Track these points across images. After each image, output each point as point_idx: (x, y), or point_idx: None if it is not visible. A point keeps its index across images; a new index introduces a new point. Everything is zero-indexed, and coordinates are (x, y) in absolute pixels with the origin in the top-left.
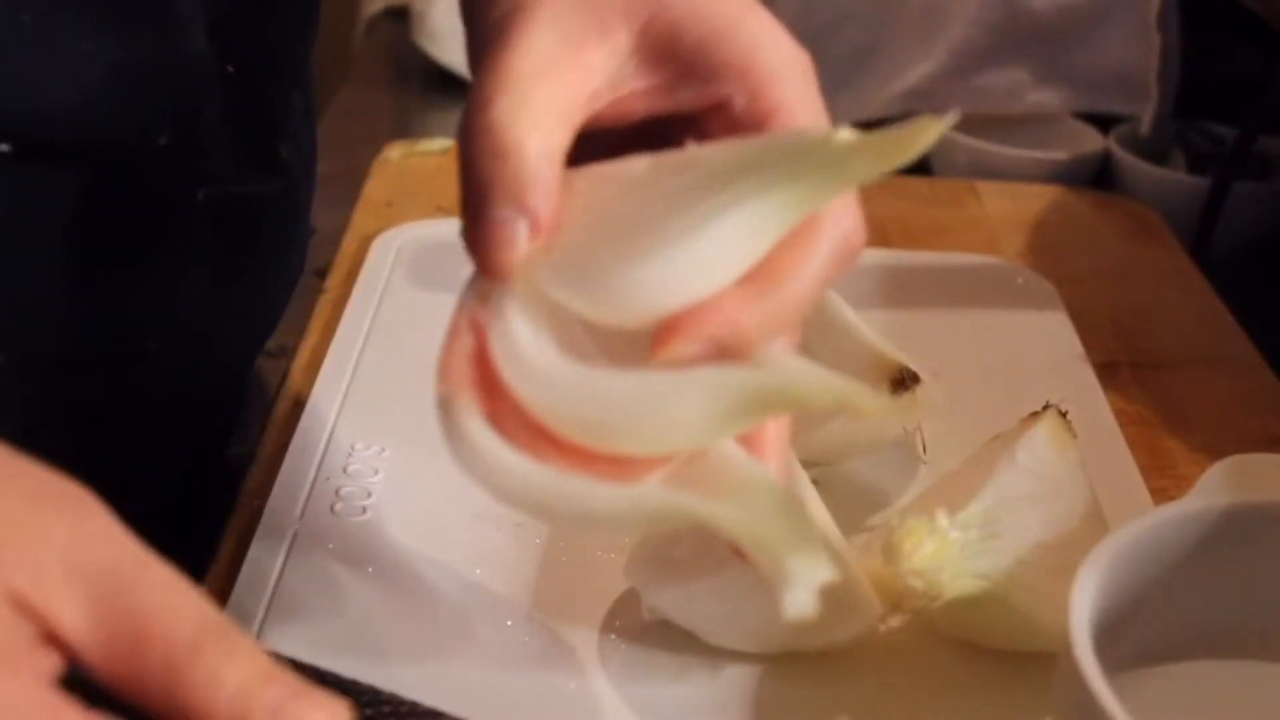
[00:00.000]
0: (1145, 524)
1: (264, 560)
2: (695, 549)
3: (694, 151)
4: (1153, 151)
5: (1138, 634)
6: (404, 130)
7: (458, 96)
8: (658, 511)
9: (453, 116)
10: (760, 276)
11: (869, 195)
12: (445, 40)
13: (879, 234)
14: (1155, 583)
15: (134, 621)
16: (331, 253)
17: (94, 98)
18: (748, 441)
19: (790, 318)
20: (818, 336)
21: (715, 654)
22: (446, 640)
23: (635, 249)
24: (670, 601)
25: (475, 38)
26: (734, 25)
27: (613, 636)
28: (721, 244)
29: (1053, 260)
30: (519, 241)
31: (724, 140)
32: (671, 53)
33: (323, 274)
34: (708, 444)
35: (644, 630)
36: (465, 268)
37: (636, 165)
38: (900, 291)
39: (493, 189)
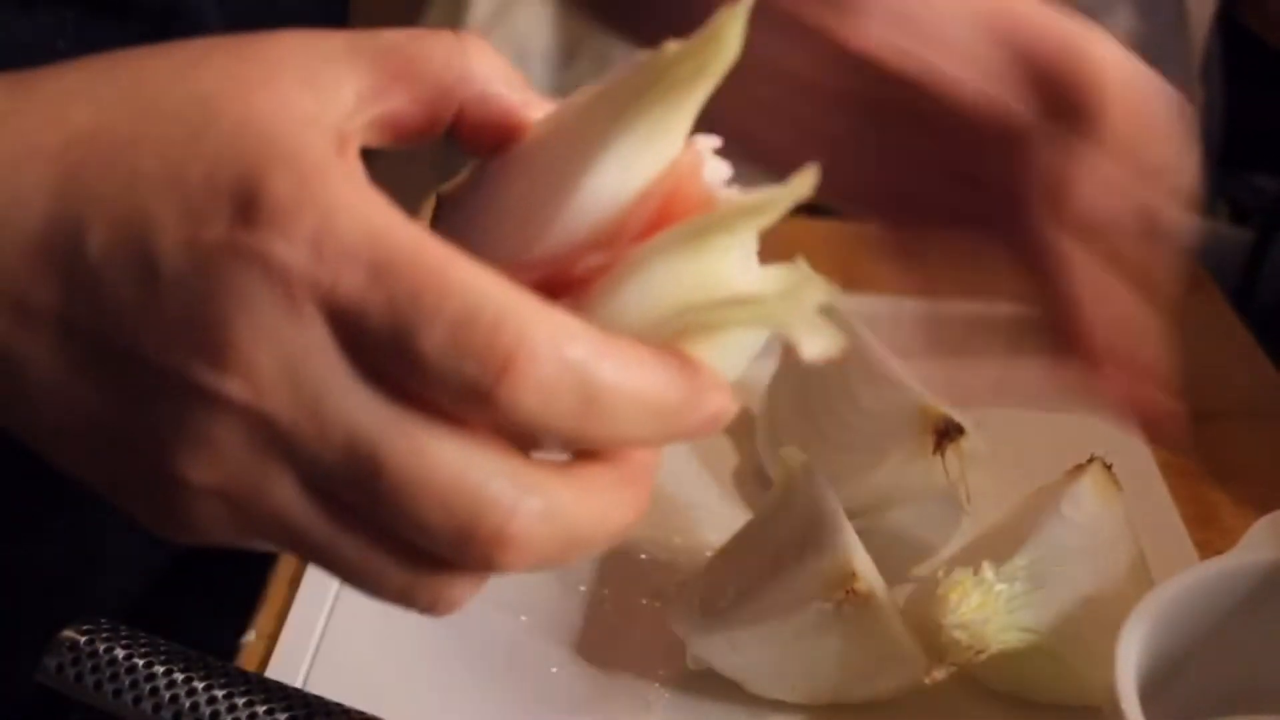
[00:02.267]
0: (1190, 578)
1: (311, 606)
2: (740, 596)
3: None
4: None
5: (1183, 689)
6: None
7: None
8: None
9: None
10: None
11: None
12: None
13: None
14: (1200, 638)
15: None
16: None
17: None
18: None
19: None
20: (862, 386)
21: (759, 704)
22: (491, 686)
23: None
24: (715, 650)
25: None
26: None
27: (656, 685)
28: (607, 183)
29: None
30: None
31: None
32: None
33: None
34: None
35: (688, 679)
36: None
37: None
38: (941, 340)
39: None
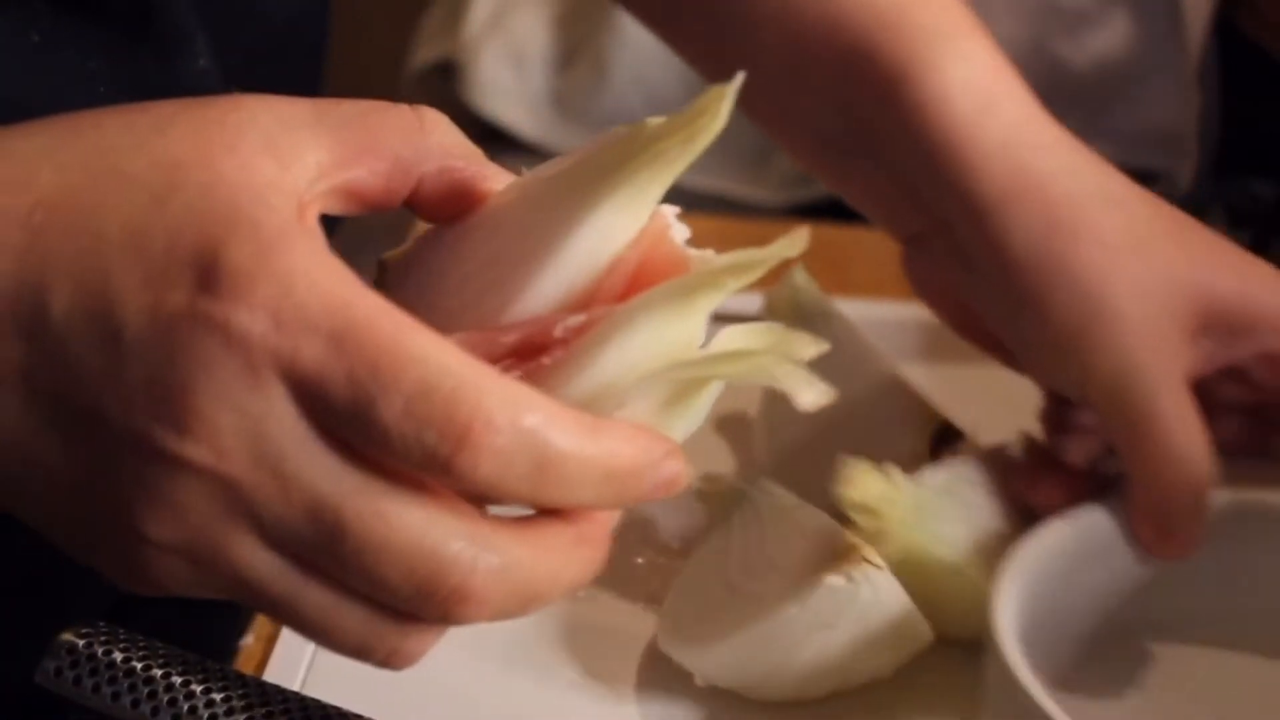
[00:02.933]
0: (1073, 518)
1: None
2: (718, 607)
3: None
4: (1192, 208)
5: (1069, 628)
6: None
7: (503, 150)
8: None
9: None
10: None
11: None
12: (491, 95)
13: None
14: (1084, 578)
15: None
16: None
17: None
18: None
19: None
20: (862, 391)
21: (767, 709)
22: (490, 690)
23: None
24: (711, 666)
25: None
26: (1266, 276)
27: (660, 689)
28: (586, 248)
29: None
30: None
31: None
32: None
33: None
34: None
35: (686, 681)
36: None
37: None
38: (942, 347)
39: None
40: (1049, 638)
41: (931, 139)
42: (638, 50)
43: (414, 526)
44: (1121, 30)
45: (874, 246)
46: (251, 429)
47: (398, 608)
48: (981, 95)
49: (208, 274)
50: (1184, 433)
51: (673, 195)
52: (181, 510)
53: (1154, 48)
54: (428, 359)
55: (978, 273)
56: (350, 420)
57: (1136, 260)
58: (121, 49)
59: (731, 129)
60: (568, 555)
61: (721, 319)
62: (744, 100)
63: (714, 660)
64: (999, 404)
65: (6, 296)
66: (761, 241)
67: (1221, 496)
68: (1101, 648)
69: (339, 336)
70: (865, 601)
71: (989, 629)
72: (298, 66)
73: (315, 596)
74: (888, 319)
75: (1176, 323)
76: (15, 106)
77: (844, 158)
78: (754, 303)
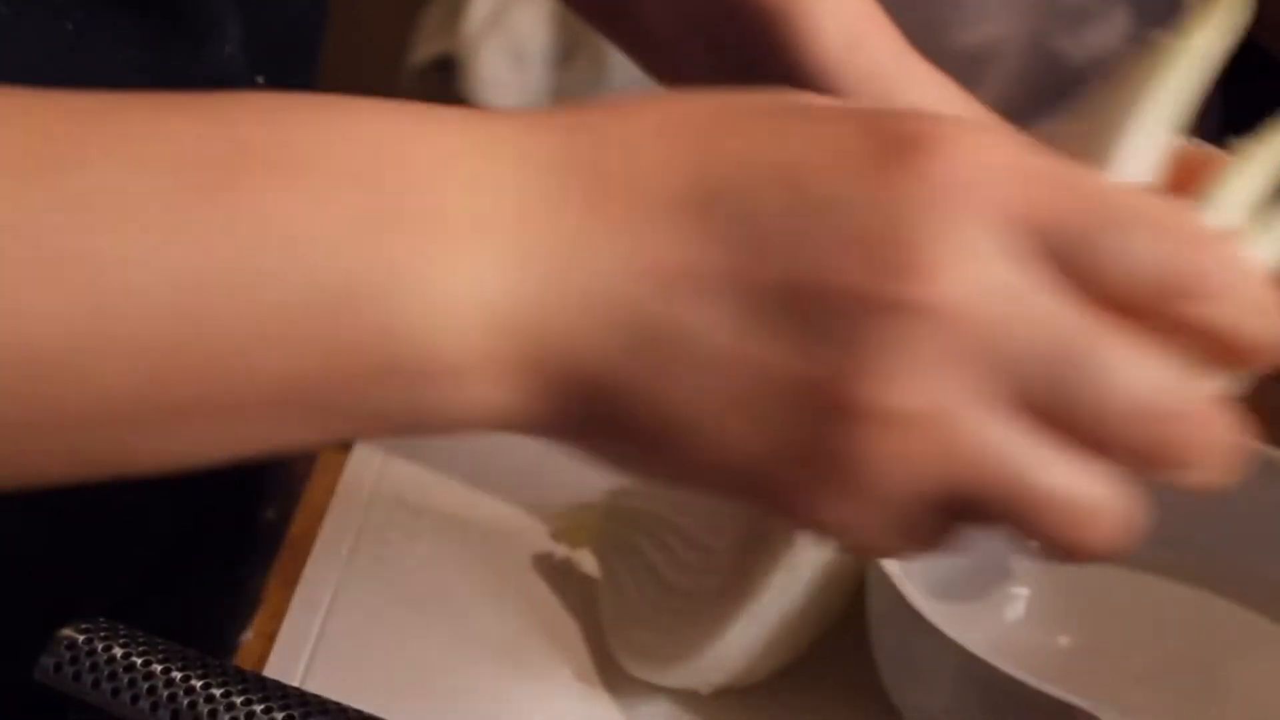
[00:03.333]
0: None
1: (309, 605)
2: (670, 613)
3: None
4: None
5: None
6: None
7: None
8: None
9: None
10: None
11: None
12: (490, 90)
13: None
14: None
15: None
16: None
17: None
18: None
19: None
20: None
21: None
22: (491, 686)
23: None
24: (684, 676)
25: None
26: None
27: (663, 691)
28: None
29: None
30: None
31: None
32: None
33: None
34: None
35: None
36: None
37: None
38: None
39: None
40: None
41: (801, 75)
42: None
43: (1148, 360)
44: (1121, 26)
45: None
46: (984, 269)
47: (1132, 454)
48: (850, 33)
49: (911, 142)
50: None
51: None
52: (918, 365)
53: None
54: (1146, 199)
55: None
56: (1080, 244)
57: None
58: (154, 36)
59: None
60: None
61: None
62: (636, 50)
63: (701, 666)
64: None
65: (688, 200)
66: None
67: None
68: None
69: (1057, 179)
70: (811, 562)
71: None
72: (305, 55)
73: (1055, 463)
74: None
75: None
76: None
77: None
78: None
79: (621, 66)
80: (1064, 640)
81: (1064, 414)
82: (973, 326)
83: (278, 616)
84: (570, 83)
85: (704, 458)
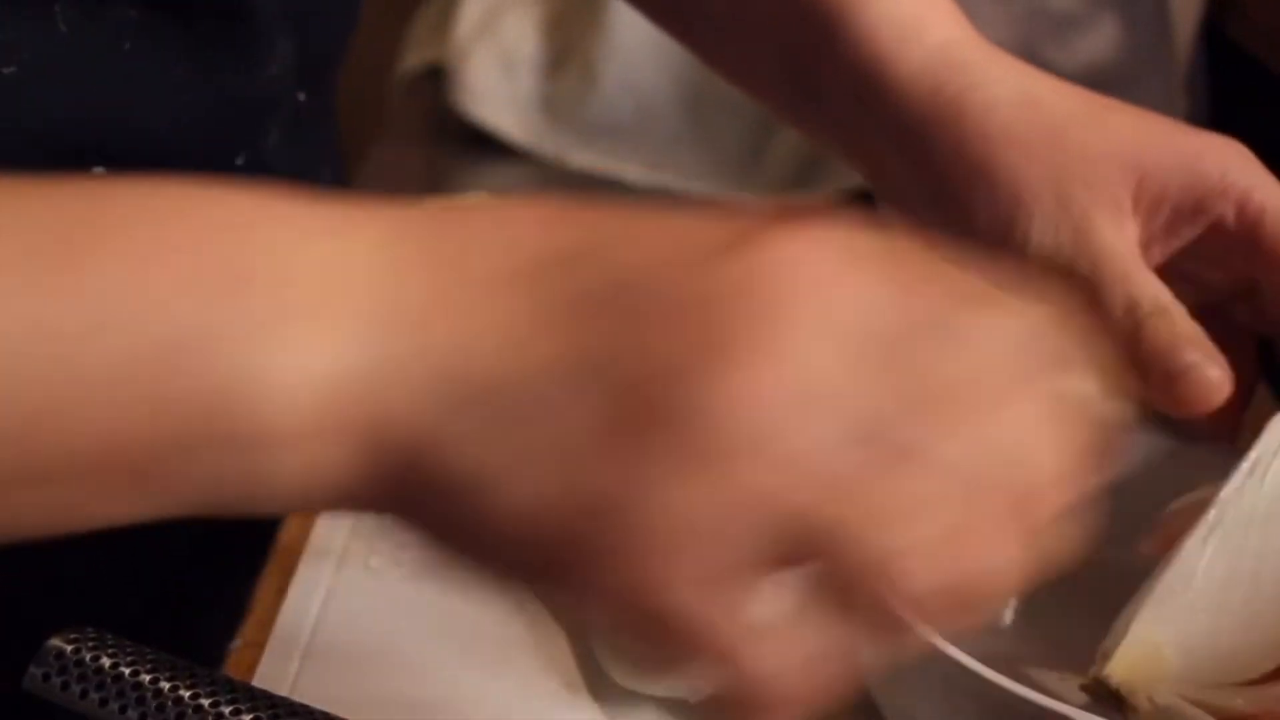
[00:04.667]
0: None
1: (298, 613)
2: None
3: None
4: None
5: None
6: (438, 187)
7: (491, 154)
8: None
9: (486, 174)
10: None
11: None
12: (480, 99)
13: None
14: None
15: None
16: None
17: (184, 121)
18: None
19: None
20: None
21: None
22: (484, 697)
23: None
24: (671, 685)
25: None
26: (1202, 148)
27: (643, 702)
28: None
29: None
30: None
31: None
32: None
33: None
34: None
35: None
36: None
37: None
38: None
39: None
40: None
41: (857, 74)
42: (627, 56)
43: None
44: (1110, 35)
45: None
46: (798, 366)
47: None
48: (905, 24)
49: (748, 236)
50: (1135, 267)
51: (663, 201)
52: (711, 444)
53: (1142, 53)
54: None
55: (917, 201)
56: (909, 347)
57: (1052, 150)
58: (205, 55)
59: (722, 132)
60: None
61: None
62: (700, 48)
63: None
64: None
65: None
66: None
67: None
68: None
69: (887, 279)
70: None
71: None
72: (337, 70)
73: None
74: None
75: (1104, 198)
76: (105, 116)
77: (796, 101)
78: None
79: (612, 75)
80: (1052, 648)
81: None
82: (776, 420)
83: (267, 625)
84: (560, 91)
85: (509, 511)
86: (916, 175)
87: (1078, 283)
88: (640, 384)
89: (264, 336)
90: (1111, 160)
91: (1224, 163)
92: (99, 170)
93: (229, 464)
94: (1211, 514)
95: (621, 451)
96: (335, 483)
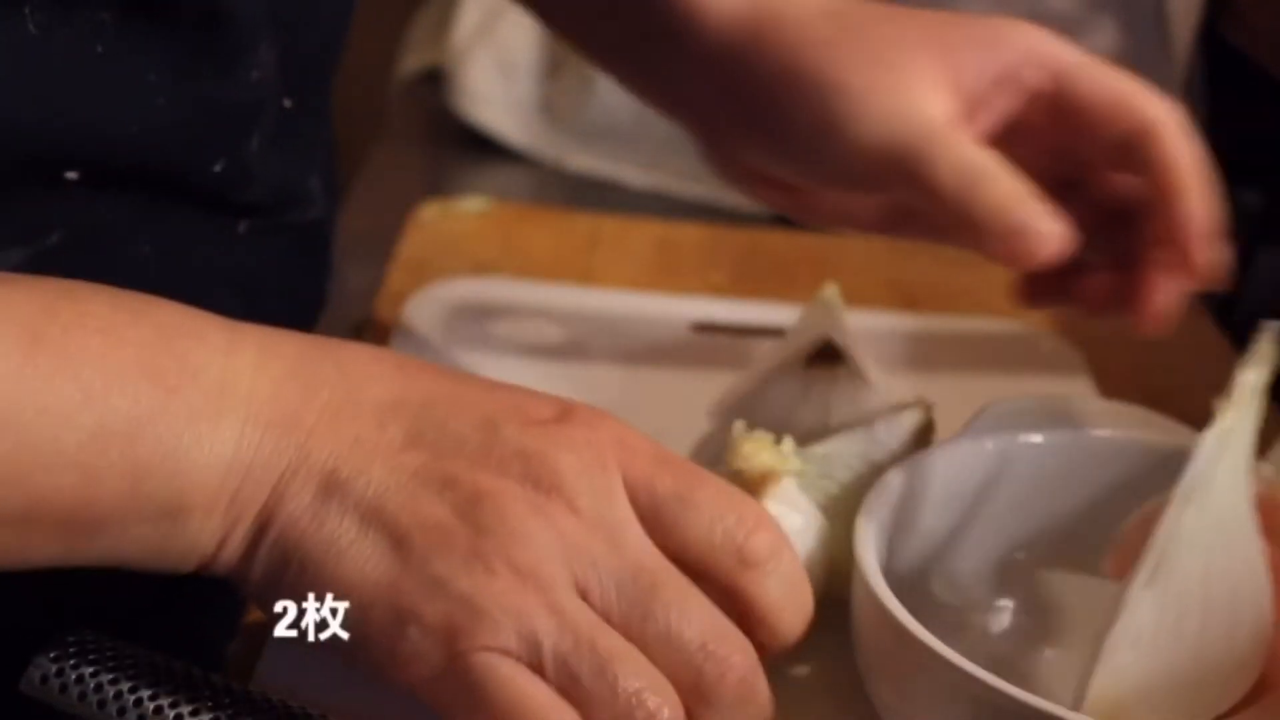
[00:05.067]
0: (925, 460)
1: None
2: None
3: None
4: None
5: (942, 571)
6: (436, 190)
7: (490, 157)
8: None
9: (485, 177)
10: None
11: (895, 260)
12: (479, 101)
13: (905, 298)
14: (945, 519)
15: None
16: (365, 310)
17: (159, 126)
18: None
19: None
20: (842, 398)
21: None
22: None
23: None
24: None
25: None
26: (1000, 25)
27: None
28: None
29: (1078, 326)
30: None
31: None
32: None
33: (359, 331)
34: None
35: None
36: (502, 325)
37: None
38: (925, 356)
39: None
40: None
41: (675, 10)
42: None
43: (706, 604)
44: (1108, 38)
45: (859, 254)
46: (600, 500)
47: (685, 666)
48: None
49: (567, 413)
50: (957, 137)
51: (662, 204)
52: (534, 544)
53: (1141, 55)
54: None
55: (740, 129)
56: (671, 502)
57: (859, 45)
58: (184, 61)
59: None
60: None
61: None
62: (545, 14)
63: None
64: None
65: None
66: (751, 251)
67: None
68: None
69: (663, 459)
70: (794, 529)
71: (854, 552)
72: (328, 77)
73: (612, 639)
74: (873, 328)
75: (915, 78)
76: (76, 121)
77: (630, 63)
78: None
79: (608, 80)
80: (1049, 653)
81: (632, 612)
82: (575, 535)
83: (266, 627)
84: (558, 94)
85: (347, 578)
86: (736, 100)
87: (903, 165)
88: (479, 504)
89: (183, 427)
90: (917, 45)
91: (1026, 35)
92: (71, 175)
93: (147, 527)
94: (1151, 558)
95: (459, 547)
96: (224, 546)
